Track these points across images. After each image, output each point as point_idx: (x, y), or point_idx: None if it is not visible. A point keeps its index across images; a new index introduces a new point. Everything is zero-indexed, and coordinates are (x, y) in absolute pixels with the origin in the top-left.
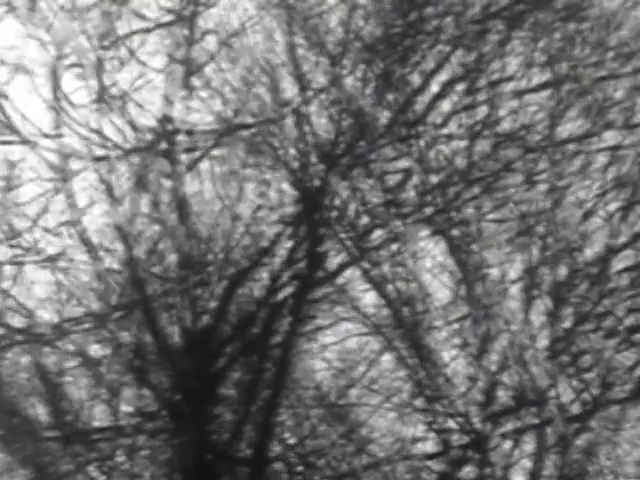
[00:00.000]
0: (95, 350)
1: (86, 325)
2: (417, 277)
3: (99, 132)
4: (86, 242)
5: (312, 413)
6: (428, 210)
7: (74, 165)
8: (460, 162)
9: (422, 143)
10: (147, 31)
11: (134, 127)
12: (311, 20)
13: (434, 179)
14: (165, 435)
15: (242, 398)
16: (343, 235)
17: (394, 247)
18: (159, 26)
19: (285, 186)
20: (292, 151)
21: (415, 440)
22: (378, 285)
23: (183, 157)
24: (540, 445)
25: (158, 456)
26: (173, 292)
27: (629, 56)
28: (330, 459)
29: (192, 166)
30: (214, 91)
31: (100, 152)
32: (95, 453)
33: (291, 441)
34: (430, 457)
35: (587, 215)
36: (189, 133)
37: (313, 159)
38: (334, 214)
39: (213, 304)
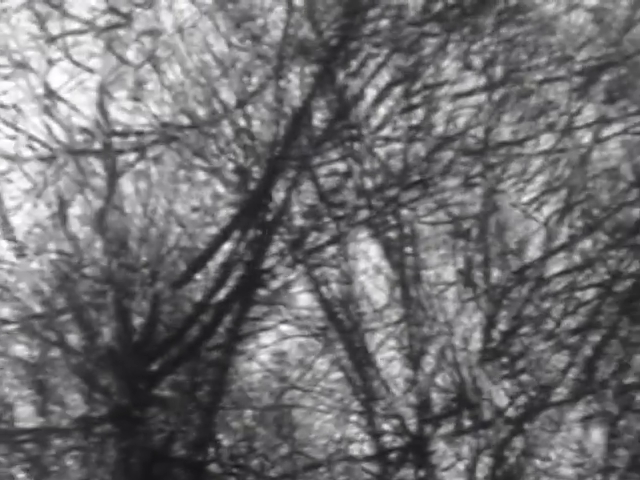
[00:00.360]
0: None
1: (11, 327)
2: (354, 279)
3: (31, 133)
4: (19, 244)
5: (249, 415)
6: (365, 212)
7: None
8: (398, 165)
9: (360, 146)
10: (81, 32)
11: (69, 128)
12: (249, 22)
13: (372, 182)
14: (104, 437)
15: (180, 400)
16: (282, 237)
17: (332, 249)
18: (95, 28)
19: (224, 188)
20: (231, 153)
21: (352, 442)
22: (316, 287)
23: (120, 158)
24: (476, 447)
25: (95, 457)
26: (111, 294)
27: (564, 60)
28: (267, 461)
29: (130, 167)
30: (151, 92)
31: (31, 153)
32: (23, 454)
33: (228, 443)
34: (367, 459)
35: (524, 218)
36: (126, 134)
37: (252, 161)
38: (273, 216)
39: (152, 306)
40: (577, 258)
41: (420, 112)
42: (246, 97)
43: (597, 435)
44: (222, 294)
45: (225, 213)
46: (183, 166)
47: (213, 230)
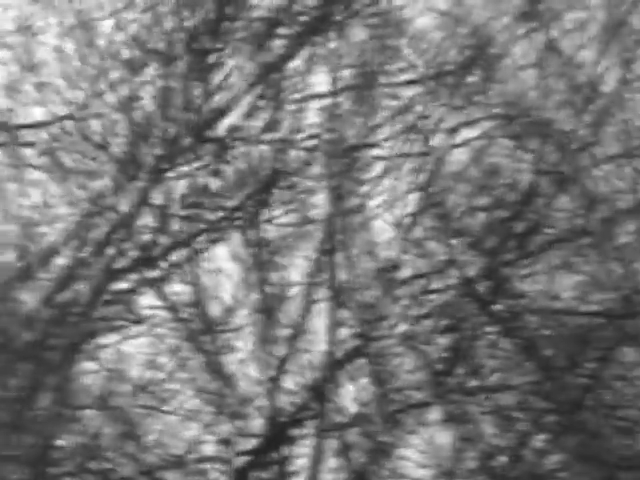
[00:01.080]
0: None
1: None
2: (203, 281)
3: None
4: None
5: (92, 415)
6: (215, 214)
7: None
8: (249, 166)
9: (215, 146)
10: None
11: None
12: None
13: (222, 183)
14: None
15: (20, 401)
16: (131, 238)
17: (180, 251)
18: None
19: (73, 188)
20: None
21: (201, 443)
22: (162, 289)
23: None
24: (328, 449)
25: None
26: None
27: (418, 63)
28: (109, 463)
29: None
30: None
31: None
32: None
33: (69, 444)
34: (216, 461)
35: (377, 220)
36: None
37: (103, 162)
38: (122, 217)
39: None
40: (431, 261)
41: (273, 113)
42: (94, 96)
43: (448, 437)
44: (68, 293)
45: (68, 212)
46: (19, 165)
47: (55, 229)
